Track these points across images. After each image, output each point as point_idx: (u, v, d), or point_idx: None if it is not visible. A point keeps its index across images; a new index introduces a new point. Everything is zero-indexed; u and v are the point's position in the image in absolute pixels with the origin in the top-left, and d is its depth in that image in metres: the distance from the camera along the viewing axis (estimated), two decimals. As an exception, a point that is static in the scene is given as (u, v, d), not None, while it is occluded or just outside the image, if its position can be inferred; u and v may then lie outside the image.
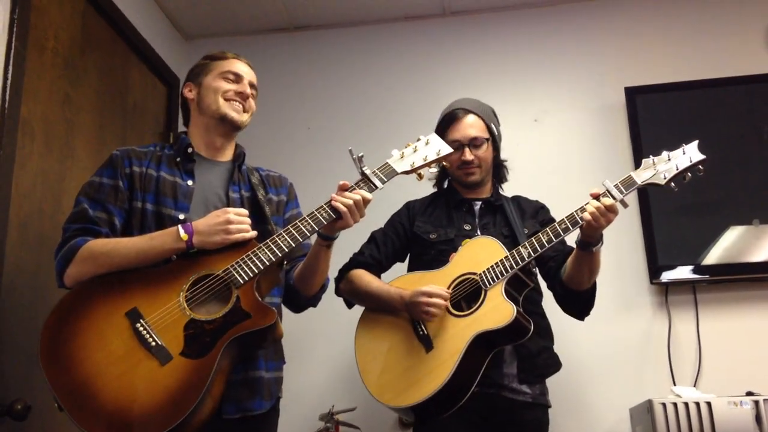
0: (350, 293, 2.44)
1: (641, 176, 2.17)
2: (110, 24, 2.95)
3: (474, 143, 2.46)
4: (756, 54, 3.29)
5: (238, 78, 2.14)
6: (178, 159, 2.08)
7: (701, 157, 2.16)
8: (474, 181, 2.49)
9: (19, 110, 2.29)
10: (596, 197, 2.14)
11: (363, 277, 2.41)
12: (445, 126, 2.51)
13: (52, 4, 2.56)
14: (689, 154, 2.16)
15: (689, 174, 2.17)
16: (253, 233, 1.91)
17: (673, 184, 2.16)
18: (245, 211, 1.93)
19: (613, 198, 2.12)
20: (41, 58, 2.47)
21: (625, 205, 2.15)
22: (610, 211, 2.10)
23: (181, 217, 1.97)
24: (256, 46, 3.63)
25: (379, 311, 2.35)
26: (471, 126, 2.47)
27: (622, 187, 2.15)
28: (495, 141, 2.52)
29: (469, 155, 2.43)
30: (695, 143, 2.18)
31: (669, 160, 2.17)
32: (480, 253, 2.28)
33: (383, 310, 2.34)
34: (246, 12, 3.54)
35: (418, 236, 2.48)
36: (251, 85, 2.17)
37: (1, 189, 2.17)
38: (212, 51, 2.23)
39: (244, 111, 2.14)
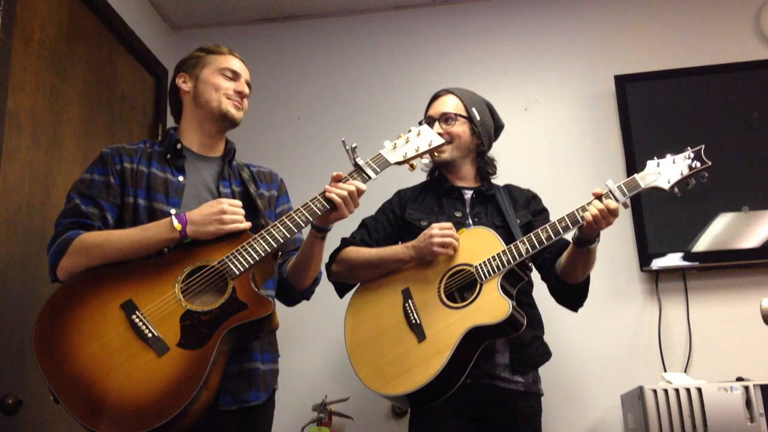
0: (346, 271, 2.39)
1: (645, 180, 2.15)
2: (97, 15, 2.93)
3: (444, 117, 2.47)
4: (745, 41, 3.29)
5: (236, 76, 2.13)
6: (168, 156, 2.07)
7: (706, 163, 2.13)
8: (444, 160, 2.47)
9: (5, 103, 2.27)
10: (599, 197, 2.13)
11: (358, 250, 2.39)
12: (427, 107, 2.57)
13: (38, -5, 2.54)
14: (694, 159, 2.14)
15: (693, 180, 2.15)
16: (248, 224, 1.91)
17: (676, 189, 2.15)
18: (239, 202, 1.93)
19: (616, 200, 2.12)
20: (27, 50, 2.44)
21: (626, 206, 2.14)
22: (612, 214, 2.10)
23: (173, 212, 1.96)
24: (245, 36, 3.61)
25: (371, 295, 2.34)
26: (446, 103, 2.51)
27: (625, 189, 2.14)
28: (474, 125, 2.50)
29: (437, 129, 2.42)
30: (701, 148, 2.15)
31: (674, 164, 2.15)
32: (476, 244, 2.27)
33: (387, 271, 2.32)
34: (234, 2, 3.52)
35: (409, 223, 2.47)
36: (247, 84, 2.17)
37: (-11, 182, 2.16)
38: (206, 44, 2.21)
39: (242, 108, 2.15)
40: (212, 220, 1.86)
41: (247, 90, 2.15)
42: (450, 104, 2.51)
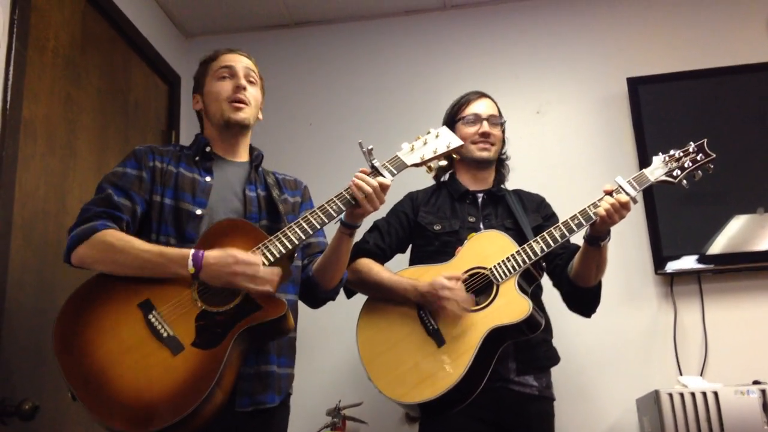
0: (357, 283, 2.39)
1: (654, 174, 2.22)
2: (110, 23, 2.95)
3: (492, 120, 2.50)
4: (758, 42, 3.27)
5: (231, 70, 2.12)
6: (197, 158, 2.09)
7: (710, 155, 2.22)
8: (487, 158, 2.49)
9: (20, 111, 2.28)
10: (609, 193, 2.16)
11: (372, 267, 2.38)
12: (463, 103, 2.55)
13: (52, 4, 2.56)
14: (698, 152, 2.23)
15: (699, 172, 2.24)
16: (269, 289, 1.82)
17: (684, 182, 2.23)
18: (257, 261, 1.81)
19: (627, 194, 2.14)
20: (42, 58, 2.46)
21: (635, 201, 2.17)
22: (624, 207, 2.12)
23: (199, 212, 1.98)
24: (257, 43, 3.62)
25: (382, 304, 2.33)
26: (492, 107, 2.55)
27: (635, 184, 2.18)
28: (504, 134, 2.56)
29: (488, 127, 2.47)
30: (703, 141, 2.24)
31: (679, 158, 2.23)
32: (488, 247, 2.27)
33: (393, 300, 2.31)
34: (246, 8, 3.54)
35: (422, 227, 2.47)
36: (248, 73, 2.14)
37: (5, 190, 2.17)
38: (206, 53, 2.21)
39: (246, 105, 2.11)
40: (223, 274, 1.80)
41: (243, 82, 2.11)
42: (495, 108, 2.55)
